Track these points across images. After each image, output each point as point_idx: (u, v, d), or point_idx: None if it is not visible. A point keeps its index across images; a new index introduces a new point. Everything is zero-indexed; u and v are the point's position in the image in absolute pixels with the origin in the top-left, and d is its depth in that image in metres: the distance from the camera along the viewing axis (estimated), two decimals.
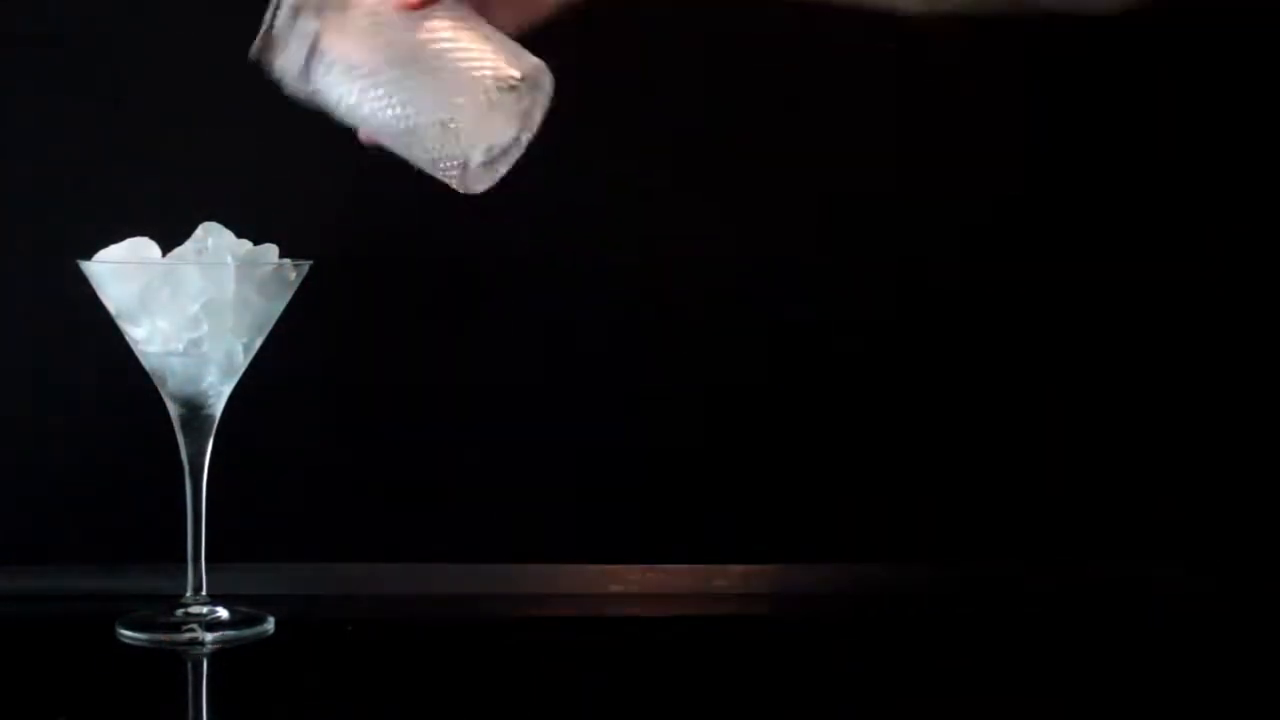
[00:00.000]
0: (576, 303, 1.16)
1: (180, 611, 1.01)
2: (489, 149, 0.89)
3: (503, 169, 0.90)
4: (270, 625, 1.02)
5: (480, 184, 0.90)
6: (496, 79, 0.88)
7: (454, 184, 0.90)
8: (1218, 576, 1.16)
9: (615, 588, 1.15)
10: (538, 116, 0.90)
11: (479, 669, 0.99)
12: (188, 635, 1.00)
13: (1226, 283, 1.18)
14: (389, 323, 1.16)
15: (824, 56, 1.17)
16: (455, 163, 0.89)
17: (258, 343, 1.01)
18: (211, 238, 0.99)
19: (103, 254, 0.99)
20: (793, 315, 1.17)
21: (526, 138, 0.90)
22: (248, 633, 1.01)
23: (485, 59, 0.88)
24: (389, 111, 0.88)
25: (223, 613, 1.02)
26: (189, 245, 1.00)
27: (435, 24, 0.88)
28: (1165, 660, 1.03)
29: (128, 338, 1.00)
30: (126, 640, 1.00)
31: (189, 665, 0.99)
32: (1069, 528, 1.18)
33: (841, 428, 1.18)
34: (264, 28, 0.88)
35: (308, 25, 0.87)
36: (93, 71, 1.13)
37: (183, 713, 0.93)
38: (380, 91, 0.88)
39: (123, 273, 0.98)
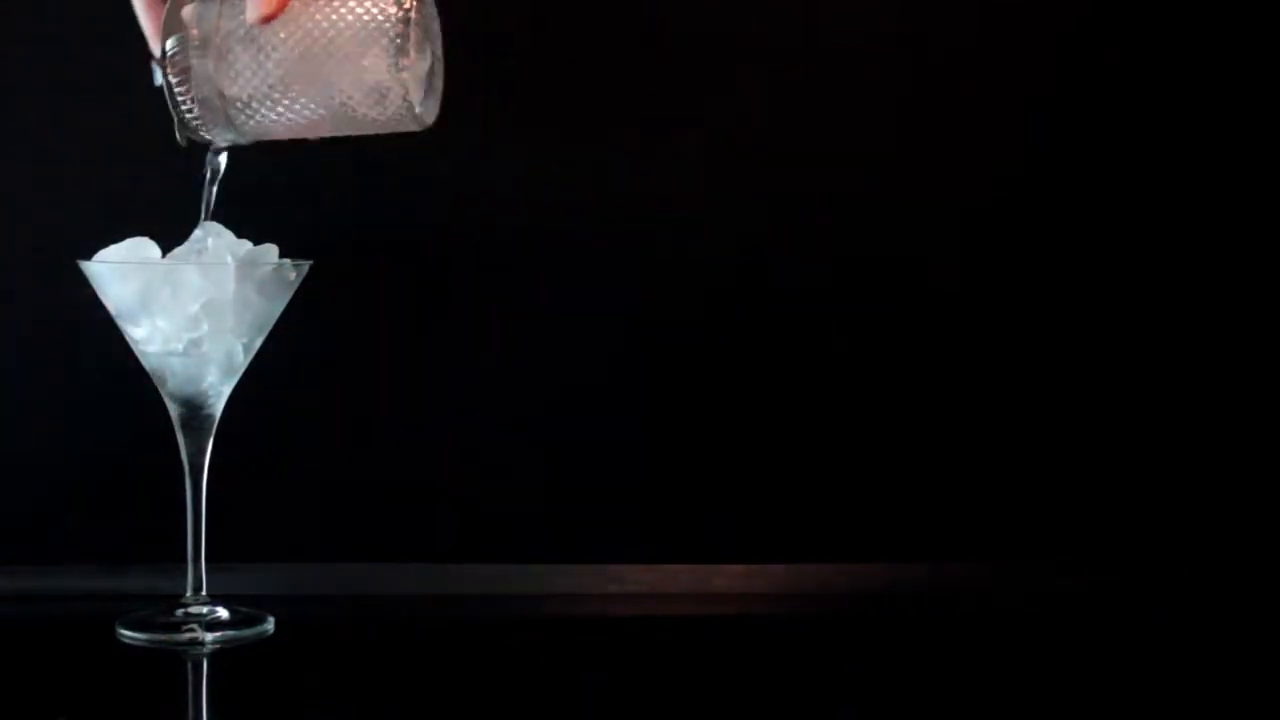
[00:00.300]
0: (577, 303, 1.16)
1: (180, 611, 1.01)
2: (419, 82, 0.90)
3: (439, 86, 0.92)
4: (270, 625, 1.02)
5: (432, 113, 0.92)
6: (387, 23, 0.88)
7: (413, 127, 0.91)
8: (1218, 576, 1.16)
9: (615, 588, 1.15)
10: (436, 27, 0.92)
11: (479, 669, 0.99)
12: (188, 635, 1.00)
13: (1226, 283, 1.18)
14: (389, 323, 1.16)
15: (823, 54, 1.17)
16: (402, 112, 0.90)
17: (258, 343, 1.01)
18: (211, 238, 0.99)
19: (103, 254, 0.99)
20: (793, 314, 1.17)
21: (439, 49, 0.91)
22: (248, 633, 1.01)
23: (365, 13, 0.89)
24: (322, 109, 0.90)
25: (223, 613, 1.02)
26: (189, 245, 1.00)
27: (301, 14, 0.88)
28: (1165, 660, 1.02)
29: (128, 338, 1.00)
30: (126, 640, 1.00)
31: (189, 665, 0.99)
32: (1069, 528, 1.18)
33: (842, 427, 1.18)
34: (175, 121, 0.90)
35: (204, 67, 0.88)
36: (93, 71, 1.12)
37: (183, 713, 0.93)
38: (304, 100, 0.89)
39: (123, 273, 0.98)
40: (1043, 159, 1.18)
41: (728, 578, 1.16)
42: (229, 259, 0.99)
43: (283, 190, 1.11)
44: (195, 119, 0.91)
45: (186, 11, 0.90)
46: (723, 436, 1.17)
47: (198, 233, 1.00)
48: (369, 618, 1.10)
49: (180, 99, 0.90)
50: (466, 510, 1.16)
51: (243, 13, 0.88)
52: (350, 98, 0.90)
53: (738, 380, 1.17)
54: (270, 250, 1.00)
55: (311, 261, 1.01)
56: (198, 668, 0.98)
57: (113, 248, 0.99)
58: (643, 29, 1.16)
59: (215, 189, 0.96)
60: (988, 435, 1.18)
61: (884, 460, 1.18)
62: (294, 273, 1.00)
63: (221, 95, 0.89)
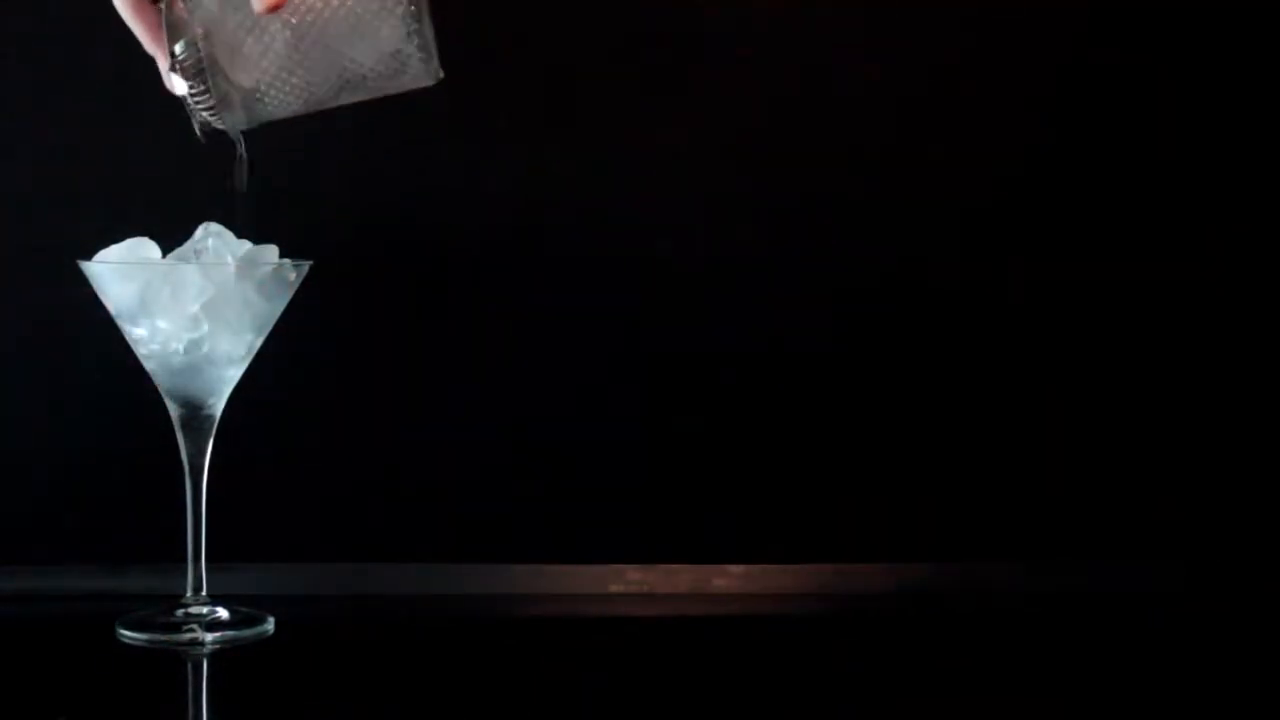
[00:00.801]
0: (577, 303, 1.16)
1: (180, 611, 1.01)
2: (433, 40, 0.89)
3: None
4: (270, 625, 1.02)
5: (440, 67, 0.91)
6: None
7: (427, 83, 0.90)
8: (1218, 576, 1.16)
9: (615, 588, 1.15)
10: None
11: (479, 669, 0.99)
12: (188, 635, 1.00)
13: (1226, 283, 1.18)
14: (389, 323, 1.16)
15: (823, 54, 1.17)
16: (420, 74, 0.89)
17: (258, 343, 1.01)
18: (211, 238, 0.99)
19: (103, 254, 0.99)
20: (792, 314, 1.17)
21: None
22: (248, 633, 1.01)
23: None
24: (337, 83, 0.89)
25: (223, 613, 1.02)
26: (189, 245, 1.00)
27: None
28: (1165, 660, 1.03)
29: (128, 338, 1.00)
30: (126, 640, 1.00)
31: (189, 665, 0.99)
32: (1069, 528, 1.18)
33: (842, 428, 1.18)
34: (194, 120, 0.89)
35: (218, 66, 0.88)
36: (93, 71, 1.12)
37: (183, 713, 0.93)
38: (319, 78, 0.88)
39: (123, 273, 0.98)
40: (1043, 159, 1.18)
41: (728, 578, 1.16)
42: (229, 259, 0.99)
43: (283, 190, 1.11)
44: (214, 115, 0.90)
45: (183, 8, 0.89)
46: (722, 437, 1.17)
47: (198, 233, 1.00)
48: (369, 618, 1.10)
49: (199, 101, 0.89)
50: (466, 510, 1.16)
51: (244, 5, 0.87)
52: (369, 69, 0.89)
53: (737, 380, 1.17)
54: (270, 250, 1.00)
55: (311, 261, 1.01)
56: (198, 668, 0.98)
57: (113, 248, 0.99)
58: (643, 29, 1.16)
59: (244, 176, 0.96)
60: (987, 436, 1.18)
61: (884, 460, 1.18)
62: (294, 273, 1.00)
63: (238, 88, 0.89)
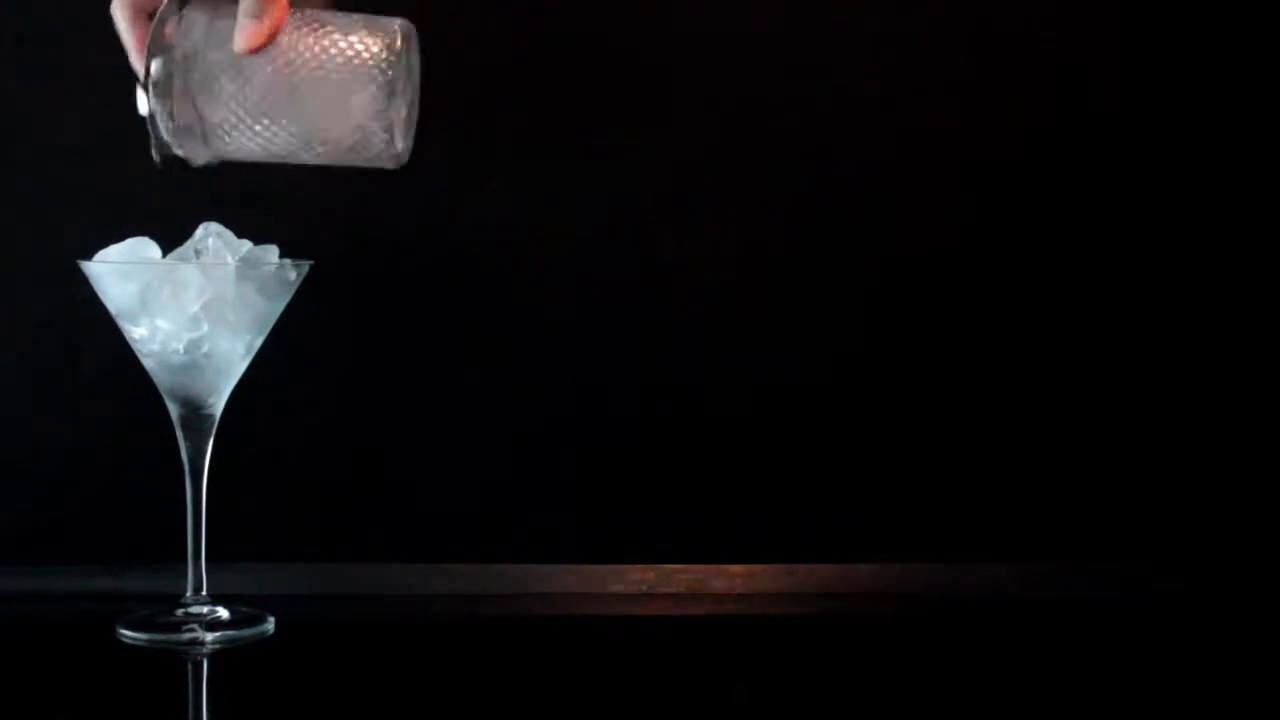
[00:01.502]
0: (577, 303, 1.16)
1: (180, 611, 1.01)
2: (403, 124, 0.89)
3: (415, 120, 0.90)
4: (270, 625, 1.02)
5: (408, 152, 0.91)
6: (377, 67, 0.88)
7: (389, 166, 0.90)
8: (1217, 576, 1.16)
9: (615, 588, 1.15)
10: (417, 63, 0.90)
11: (479, 669, 0.99)
12: (188, 635, 1.00)
13: (1226, 283, 1.18)
14: (389, 323, 1.16)
15: (822, 53, 1.17)
16: (381, 153, 0.89)
17: (258, 343, 1.01)
18: (211, 238, 0.99)
19: (103, 254, 0.99)
20: (792, 315, 1.17)
21: (418, 84, 0.90)
22: (248, 633, 1.01)
23: (355, 54, 0.88)
24: (301, 142, 0.89)
25: (223, 613, 1.02)
26: (189, 245, 1.00)
27: (290, 47, 0.87)
28: (1165, 661, 1.02)
29: (128, 338, 1.00)
30: (126, 640, 1.00)
31: (189, 665, 0.99)
32: (1069, 528, 1.18)
33: (841, 427, 1.18)
34: (152, 140, 0.89)
35: (188, 94, 0.88)
36: (93, 71, 1.12)
37: (183, 713, 0.93)
38: (284, 131, 0.89)
39: (123, 273, 0.98)
40: (1043, 159, 1.18)
41: (728, 578, 1.16)
42: (229, 259, 0.99)
43: (282, 190, 1.11)
44: (173, 140, 0.90)
45: (171, 31, 0.88)
46: (722, 437, 1.17)
47: (198, 233, 1.00)
48: (369, 618, 1.10)
49: (161, 123, 0.89)
50: (467, 510, 1.16)
51: (229, 41, 0.87)
52: (332, 135, 0.88)
53: (736, 380, 1.17)
54: (270, 250, 1.00)
55: (312, 261, 1.01)
56: (198, 668, 0.98)
57: (113, 248, 0.99)
58: (643, 35, 1.16)
59: None
60: (988, 436, 1.18)
61: (884, 460, 1.18)
62: (294, 273, 1.00)
63: (202, 120, 0.88)
